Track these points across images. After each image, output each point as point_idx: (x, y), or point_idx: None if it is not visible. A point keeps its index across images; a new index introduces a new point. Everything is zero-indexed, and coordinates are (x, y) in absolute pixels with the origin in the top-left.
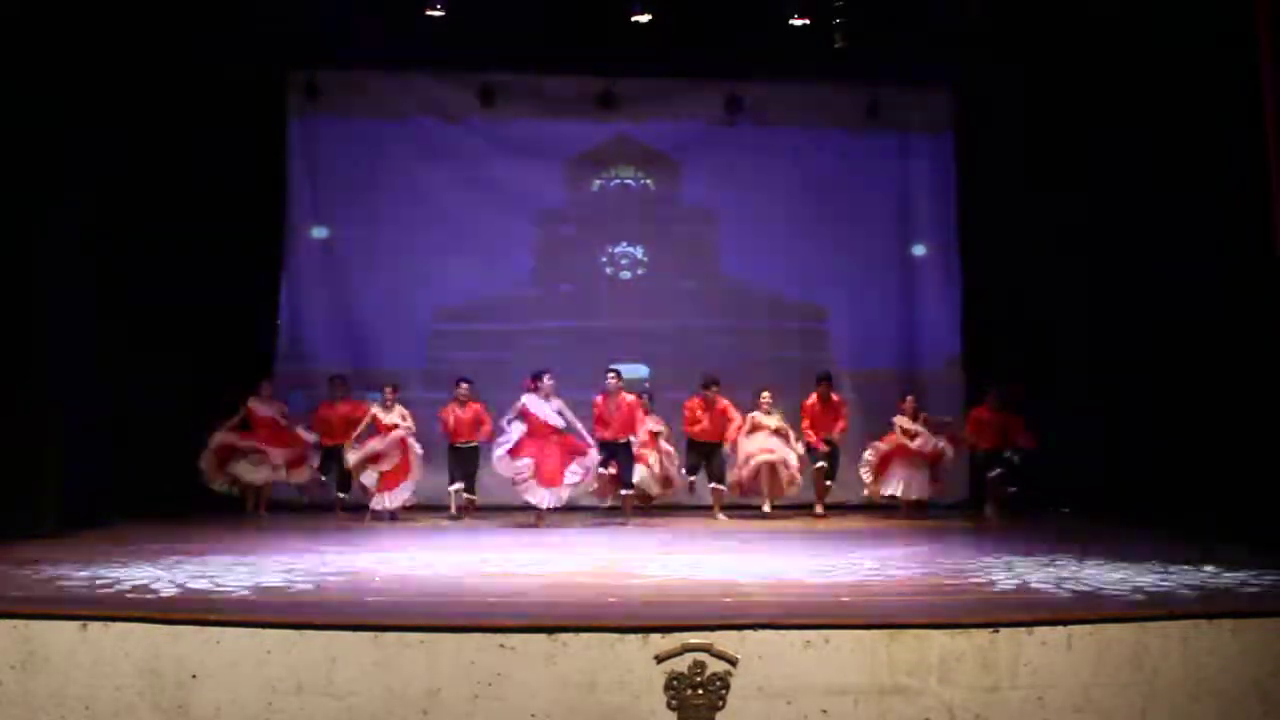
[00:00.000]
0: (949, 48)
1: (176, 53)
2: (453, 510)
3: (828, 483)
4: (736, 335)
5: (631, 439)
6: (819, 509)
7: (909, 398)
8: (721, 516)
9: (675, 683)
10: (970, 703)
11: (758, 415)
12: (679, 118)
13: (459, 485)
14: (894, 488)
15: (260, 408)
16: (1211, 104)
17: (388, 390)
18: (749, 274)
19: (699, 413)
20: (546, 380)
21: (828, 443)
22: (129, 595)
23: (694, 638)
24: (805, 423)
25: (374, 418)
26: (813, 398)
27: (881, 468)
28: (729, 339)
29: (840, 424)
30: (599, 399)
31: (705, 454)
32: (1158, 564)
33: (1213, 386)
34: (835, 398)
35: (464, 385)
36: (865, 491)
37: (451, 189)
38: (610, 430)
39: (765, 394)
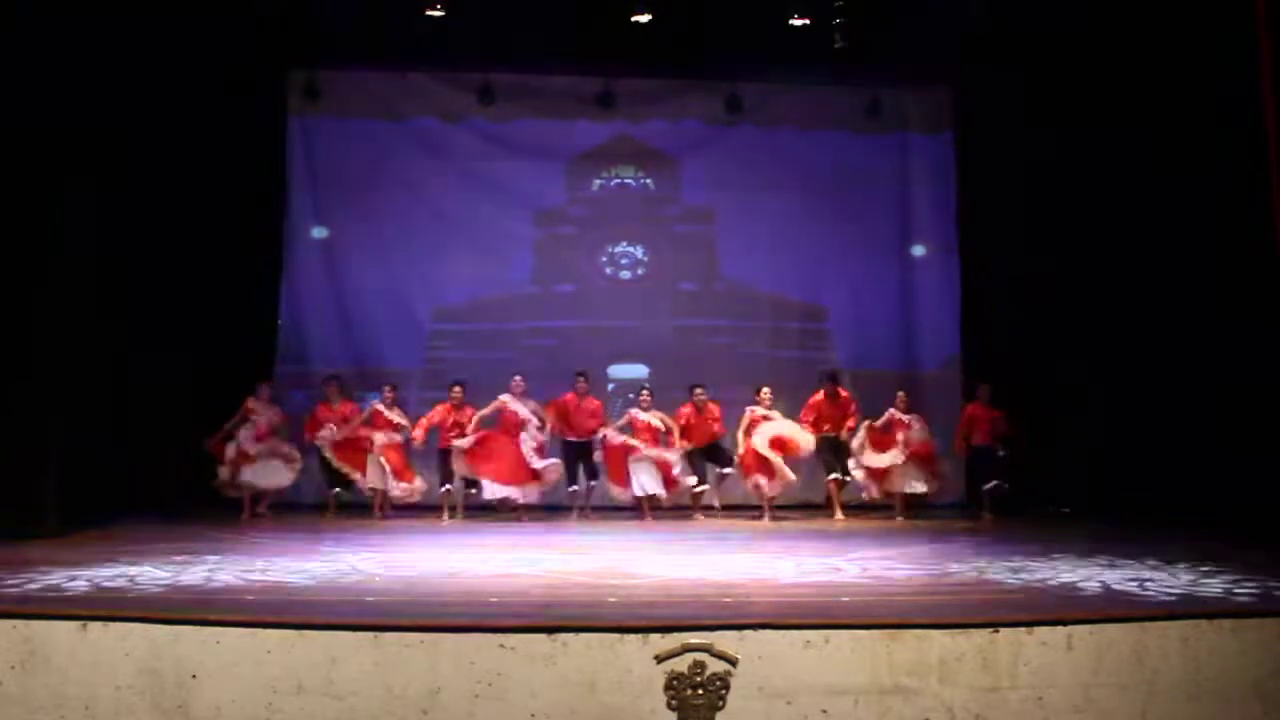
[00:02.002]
0: (949, 48)
1: (177, 52)
2: (445, 517)
3: (845, 478)
4: (736, 335)
5: (600, 436)
6: (839, 514)
7: (900, 393)
8: (717, 503)
9: (675, 683)
10: (970, 703)
11: (758, 410)
12: (679, 118)
13: (449, 487)
14: (890, 483)
15: (258, 409)
16: (1211, 104)
17: (388, 390)
18: (749, 274)
19: (692, 420)
20: (518, 380)
21: (832, 440)
22: (129, 595)
23: (694, 638)
24: (809, 416)
25: (376, 414)
26: (819, 394)
27: (876, 470)
28: (729, 339)
29: (849, 421)
30: (569, 397)
31: (705, 454)
32: (1157, 564)
33: (1213, 386)
34: (844, 394)
35: (458, 388)
36: (859, 476)
37: (451, 189)
38: (575, 431)
39: (765, 390)
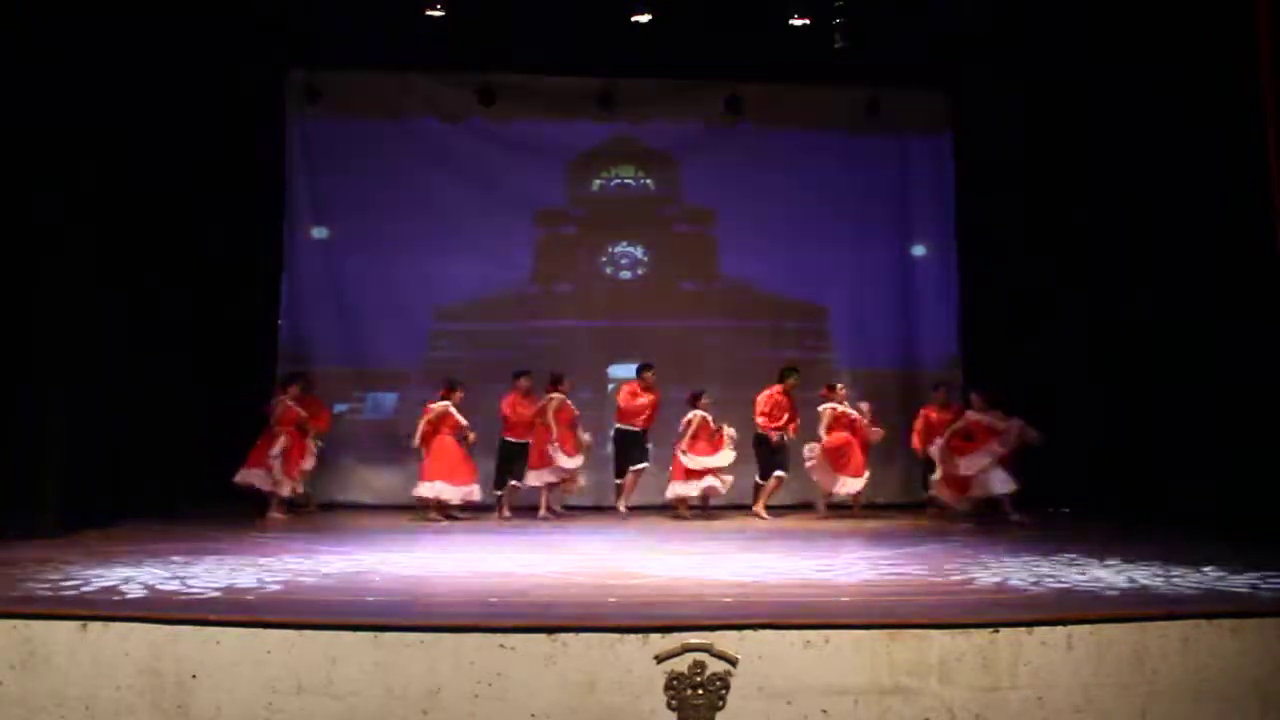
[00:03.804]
0: (949, 48)
1: (177, 53)
2: (506, 512)
3: (779, 474)
4: (736, 335)
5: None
6: (762, 510)
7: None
8: (623, 508)
9: (675, 683)
10: (970, 703)
11: (839, 406)
12: (679, 118)
13: (515, 483)
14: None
15: (294, 407)
16: (1211, 104)
17: (458, 393)
18: (749, 274)
19: (640, 396)
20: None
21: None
22: (129, 595)
23: (694, 638)
24: (766, 408)
25: (447, 415)
26: (779, 389)
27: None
28: (729, 339)
29: (793, 423)
30: (511, 397)
31: (638, 443)
32: (1158, 564)
33: (1212, 386)
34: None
35: (525, 379)
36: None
37: (451, 189)
38: (516, 431)
39: (840, 385)
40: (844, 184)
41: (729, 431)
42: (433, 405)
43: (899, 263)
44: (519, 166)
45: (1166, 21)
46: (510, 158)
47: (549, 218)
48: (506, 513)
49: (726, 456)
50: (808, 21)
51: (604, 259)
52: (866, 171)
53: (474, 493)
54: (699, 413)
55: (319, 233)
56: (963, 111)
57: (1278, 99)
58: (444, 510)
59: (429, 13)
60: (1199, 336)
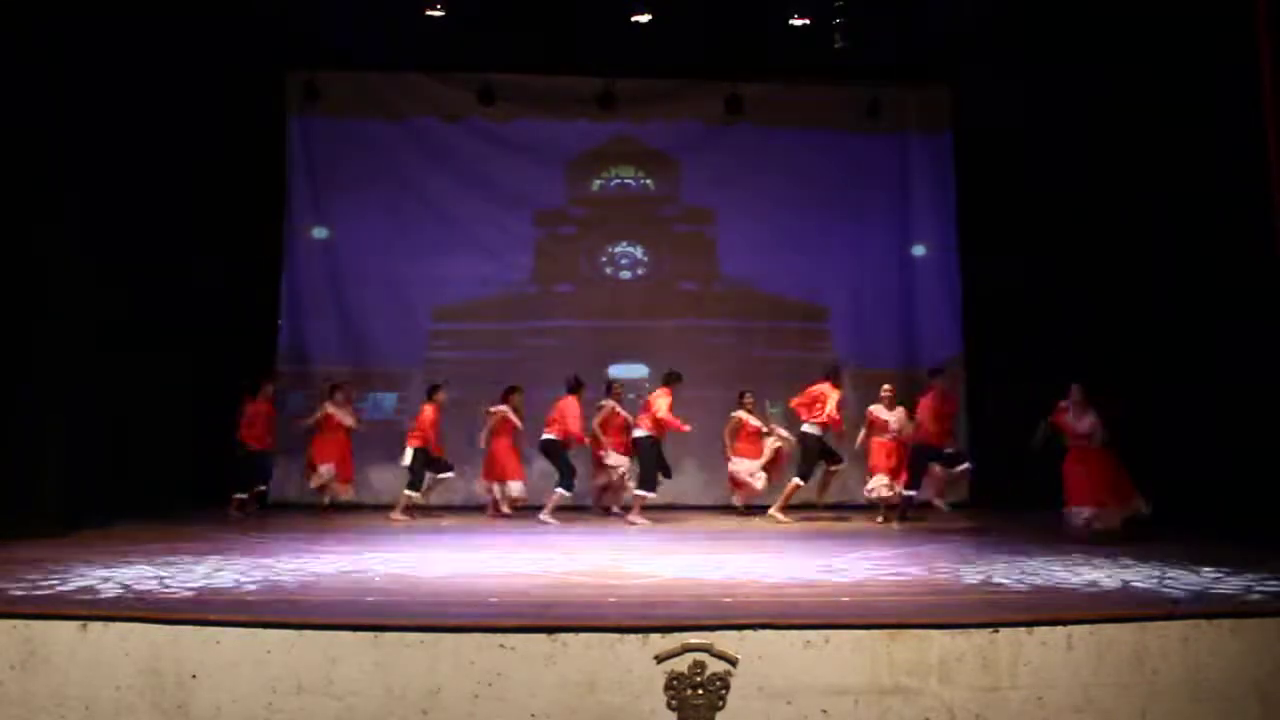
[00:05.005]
0: (949, 47)
1: (178, 54)
2: (544, 515)
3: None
4: (736, 335)
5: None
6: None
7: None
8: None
9: (675, 683)
10: (970, 703)
11: (879, 410)
12: (679, 118)
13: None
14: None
15: (339, 414)
16: (1212, 104)
17: (515, 394)
18: (749, 274)
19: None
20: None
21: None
22: (129, 595)
23: (694, 638)
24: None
25: (504, 419)
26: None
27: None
28: (729, 339)
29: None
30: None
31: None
32: (1158, 564)
33: (1212, 386)
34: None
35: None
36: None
37: (451, 189)
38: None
39: (886, 386)
40: (844, 184)
41: (780, 433)
42: (493, 409)
43: (899, 262)
44: (519, 166)
45: (1167, 21)
46: (510, 158)
47: (549, 218)
48: (545, 517)
49: (768, 453)
50: (808, 21)
51: (604, 259)
52: (867, 171)
53: (523, 489)
54: (740, 413)
55: (319, 233)
56: (963, 111)
57: (1278, 99)
58: (497, 507)
59: (429, 13)
60: (1199, 336)
